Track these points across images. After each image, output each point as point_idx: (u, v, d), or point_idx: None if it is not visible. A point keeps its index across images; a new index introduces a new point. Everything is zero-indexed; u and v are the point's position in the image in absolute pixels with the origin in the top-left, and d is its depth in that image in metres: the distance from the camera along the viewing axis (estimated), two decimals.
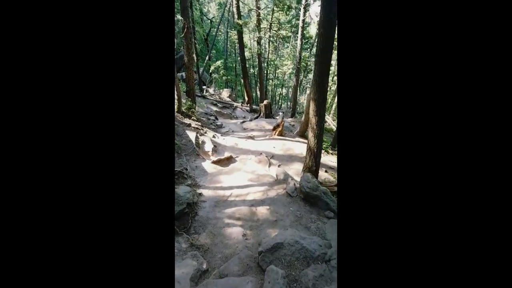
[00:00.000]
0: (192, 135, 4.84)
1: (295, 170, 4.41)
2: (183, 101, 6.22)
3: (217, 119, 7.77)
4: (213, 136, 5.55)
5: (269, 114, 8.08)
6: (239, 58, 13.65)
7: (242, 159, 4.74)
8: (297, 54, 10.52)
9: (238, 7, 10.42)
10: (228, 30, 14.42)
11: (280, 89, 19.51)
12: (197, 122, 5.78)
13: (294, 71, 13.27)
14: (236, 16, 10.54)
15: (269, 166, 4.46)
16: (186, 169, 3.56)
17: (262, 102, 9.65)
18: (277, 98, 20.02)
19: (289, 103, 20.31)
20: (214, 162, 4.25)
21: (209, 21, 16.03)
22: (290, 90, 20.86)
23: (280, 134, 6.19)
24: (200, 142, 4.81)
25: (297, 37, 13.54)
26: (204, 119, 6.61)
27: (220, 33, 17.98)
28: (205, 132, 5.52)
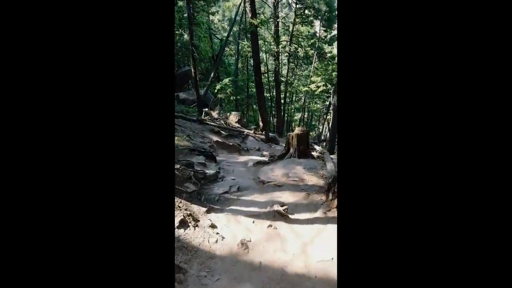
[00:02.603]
0: None
1: None
2: None
3: (212, 159, 4.31)
4: (184, 220, 2.02)
5: (305, 151, 4.56)
6: (252, 74, 10.77)
7: None
8: None
9: (253, 3, 7.67)
10: (240, 40, 11.80)
11: (301, 113, 16.24)
12: None
13: (329, 87, 10.08)
14: (250, 14, 7.76)
15: None
16: None
17: (281, 129, 6.41)
18: (293, 125, 16.76)
19: (317, 131, 16.89)
20: None
21: (219, 40, 13.81)
22: (314, 114, 17.59)
23: None
24: None
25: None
26: (180, 168, 3.13)
27: (229, 51, 15.63)
28: None
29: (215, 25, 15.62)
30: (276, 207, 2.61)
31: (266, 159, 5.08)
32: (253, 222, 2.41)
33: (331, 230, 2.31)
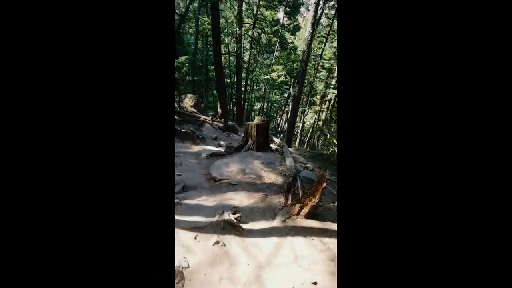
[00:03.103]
0: None
1: None
2: None
3: None
4: None
5: (264, 144, 4.13)
6: (212, 55, 9.77)
7: None
8: (305, 47, 7.07)
9: None
10: (199, 16, 10.51)
11: (261, 103, 15.86)
12: None
13: (288, 79, 9.79)
14: None
15: None
16: None
17: (241, 118, 5.82)
18: (253, 114, 16.36)
19: (276, 122, 16.72)
20: None
21: (178, 16, 12.16)
22: (273, 105, 17.42)
23: (310, 213, 2.24)
24: None
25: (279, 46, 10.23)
26: None
27: (188, 29, 14.02)
28: None
29: None
30: (227, 216, 2.09)
31: (222, 150, 4.49)
32: (195, 238, 1.85)
33: (291, 245, 1.92)
